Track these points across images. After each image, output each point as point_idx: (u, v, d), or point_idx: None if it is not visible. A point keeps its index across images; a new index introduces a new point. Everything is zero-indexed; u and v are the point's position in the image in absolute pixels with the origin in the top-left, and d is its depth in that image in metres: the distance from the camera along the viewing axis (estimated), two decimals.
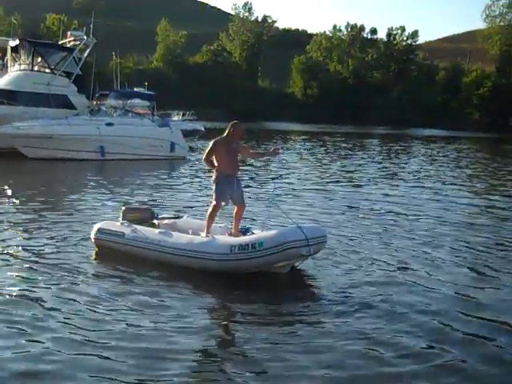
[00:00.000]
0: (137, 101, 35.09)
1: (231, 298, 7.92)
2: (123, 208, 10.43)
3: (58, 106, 27.92)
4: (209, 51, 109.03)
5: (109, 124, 27.12)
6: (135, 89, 41.05)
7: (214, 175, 9.33)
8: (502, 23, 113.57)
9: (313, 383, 5.63)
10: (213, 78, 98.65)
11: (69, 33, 33.38)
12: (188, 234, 9.35)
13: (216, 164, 9.24)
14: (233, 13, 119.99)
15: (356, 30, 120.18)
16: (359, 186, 20.85)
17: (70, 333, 6.48)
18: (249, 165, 24.34)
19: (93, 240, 9.97)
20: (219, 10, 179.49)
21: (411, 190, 19.77)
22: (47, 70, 29.52)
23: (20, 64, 29.77)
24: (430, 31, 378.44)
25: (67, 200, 15.68)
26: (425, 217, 14.43)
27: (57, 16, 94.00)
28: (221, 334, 6.91)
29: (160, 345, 6.27)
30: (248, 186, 17.48)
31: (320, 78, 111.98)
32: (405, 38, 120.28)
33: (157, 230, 9.48)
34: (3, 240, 10.39)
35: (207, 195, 14.33)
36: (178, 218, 10.66)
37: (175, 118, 47.01)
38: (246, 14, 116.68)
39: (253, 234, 9.03)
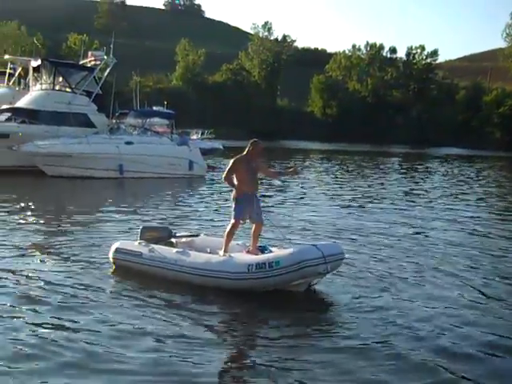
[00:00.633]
0: (156, 119, 35.27)
1: (248, 317, 7.89)
2: (141, 227, 10.43)
3: (79, 125, 28.17)
4: (228, 70, 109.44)
5: (128, 142, 27.30)
6: (154, 107, 41.29)
7: (233, 193, 9.32)
8: None
9: None
10: (232, 96, 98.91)
11: (90, 53, 33.73)
12: (206, 252, 9.33)
13: (236, 182, 9.24)
14: (252, 32, 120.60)
15: (375, 49, 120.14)
16: (378, 204, 20.68)
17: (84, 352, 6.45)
18: (268, 184, 24.28)
19: (111, 259, 9.97)
20: (239, 29, 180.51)
21: (430, 210, 19.59)
22: (68, 90, 29.80)
23: (42, 83, 30.09)
24: (450, 50, 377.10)
25: (85, 218, 15.70)
26: (443, 236, 14.27)
27: (78, 36, 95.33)
28: (238, 353, 6.87)
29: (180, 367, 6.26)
30: (266, 204, 17.42)
31: (339, 97, 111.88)
32: (424, 57, 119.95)
33: (174, 249, 9.46)
34: (22, 255, 10.51)
35: (225, 213, 14.32)
36: (195, 236, 10.63)
37: (194, 137, 47.16)
38: (266, 33, 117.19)
39: (270, 252, 8.99)
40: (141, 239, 9.98)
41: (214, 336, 7.17)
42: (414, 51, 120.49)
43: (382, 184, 28.75)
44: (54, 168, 25.52)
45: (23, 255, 10.58)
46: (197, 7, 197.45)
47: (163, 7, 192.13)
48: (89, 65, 31.71)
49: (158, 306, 8.12)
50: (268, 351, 6.74)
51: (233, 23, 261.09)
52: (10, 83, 34.49)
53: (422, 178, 34.34)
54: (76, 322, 7.39)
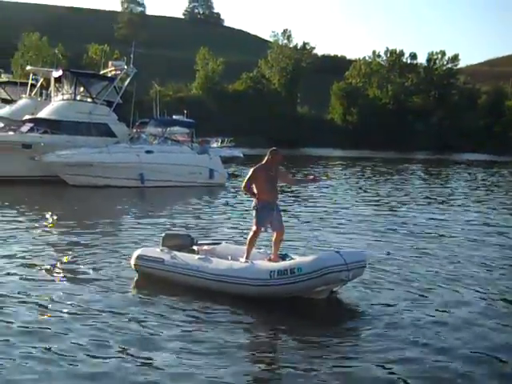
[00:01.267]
0: (176, 128, 35.38)
1: (269, 324, 7.86)
2: (163, 235, 10.50)
3: (100, 135, 28.36)
4: (248, 78, 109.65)
5: (148, 151, 27.44)
6: (174, 116, 41.44)
7: (254, 201, 9.32)
8: None
9: None
10: (252, 105, 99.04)
11: (110, 63, 33.94)
12: (227, 259, 9.31)
13: (256, 191, 9.23)
14: (272, 40, 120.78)
15: (395, 56, 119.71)
16: (400, 211, 20.56)
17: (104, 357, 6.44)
18: (287, 191, 24.22)
19: (133, 266, 10.01)
20: (258, 37, 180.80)
21: (453, 215, 19.43)
22: (89, 100, 30.07)
23: (63, 94, 30.39)
24: (471, 55, 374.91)
25: (107, 227, 15.77)
26: (467, 241, 14.16)
27: (99, 46, 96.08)
28: (259, 360, 6.81)
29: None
30: (286, 211, 17.37)
31: (359, 103, 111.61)
32: (445, 63, 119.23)
33: (196, 256, 9.46)
34: (44, 264, 10.61)
35: (246, 221, 14.30)
36: (216, 244, 10.63)
37: (214, 145, 47.28)
38: (285, 40, 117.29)
39: (292, 259, 8.94)
40: (163, 246, 10.00)
41: (237, 342, 7.15)
42: (435, 57, 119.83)
43: (402, 190, 28.61)
44: (75, 177, 25.74)
45: (43, 264, 10.66)
46: (216, 16, 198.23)
47: (182, 16, 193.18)
48: (109, 75, 31.91)
49: (183, 312, 8.15)
50: (289, 359, 6.69)
51: (252, 31, 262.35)
52: (32, 94, 34.95)
53: (443, 184, 34.07)
54: (98, 328, 7.40)
